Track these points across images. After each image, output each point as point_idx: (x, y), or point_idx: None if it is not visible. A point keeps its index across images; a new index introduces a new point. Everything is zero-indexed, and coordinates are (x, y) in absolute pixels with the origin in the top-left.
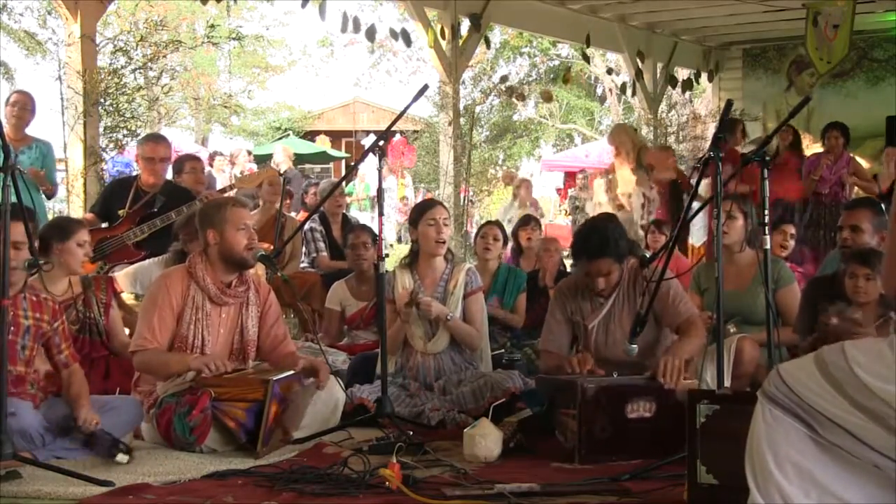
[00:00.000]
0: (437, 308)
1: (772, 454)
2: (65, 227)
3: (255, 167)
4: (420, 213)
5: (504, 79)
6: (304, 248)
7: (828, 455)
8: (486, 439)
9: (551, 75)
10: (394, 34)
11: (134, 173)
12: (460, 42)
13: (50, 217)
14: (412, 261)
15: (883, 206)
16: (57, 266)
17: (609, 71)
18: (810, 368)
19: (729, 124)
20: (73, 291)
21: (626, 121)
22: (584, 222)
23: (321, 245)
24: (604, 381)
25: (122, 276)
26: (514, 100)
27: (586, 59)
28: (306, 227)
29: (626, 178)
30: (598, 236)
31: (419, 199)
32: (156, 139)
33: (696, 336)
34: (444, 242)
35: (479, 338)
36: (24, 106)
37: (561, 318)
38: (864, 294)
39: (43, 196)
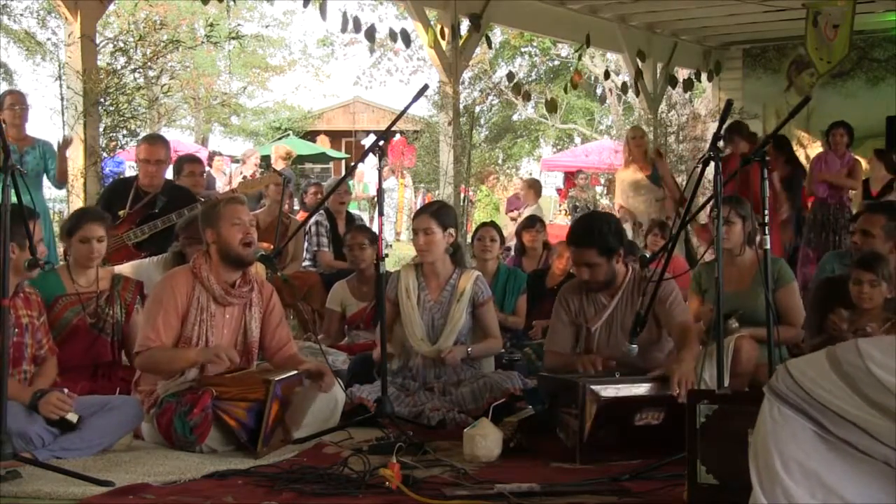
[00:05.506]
0: (459, 354)
1: (778, 453)
2: (70, 222)
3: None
4: (413, 219)
5: (511, 76)
6: (306, 244)
7: (834, 453)
8: (486, 439)
9: (551, 75)
10: (393, 35)
11: (126, 173)
12: (460, 42)
13: (52, 217)
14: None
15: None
16: (73, 260)
17: (607, 75)
18: (821, 365)
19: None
20: (99, 286)
21: (627, 121)
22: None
23: (324, 240)
24: (611, 387)
25: None
26: (519, 98)
27: (590, 57)
28: (311, 220)
29: (628, 185)
30: (585, 225)
31: (419, 200)
32: (151, 140)
33: (694, 344)
34: (425, 251)
35: (498, 346)
36: (20, 105)
37: (566, 319)
38: (869, 300)
39: (43, 195)
